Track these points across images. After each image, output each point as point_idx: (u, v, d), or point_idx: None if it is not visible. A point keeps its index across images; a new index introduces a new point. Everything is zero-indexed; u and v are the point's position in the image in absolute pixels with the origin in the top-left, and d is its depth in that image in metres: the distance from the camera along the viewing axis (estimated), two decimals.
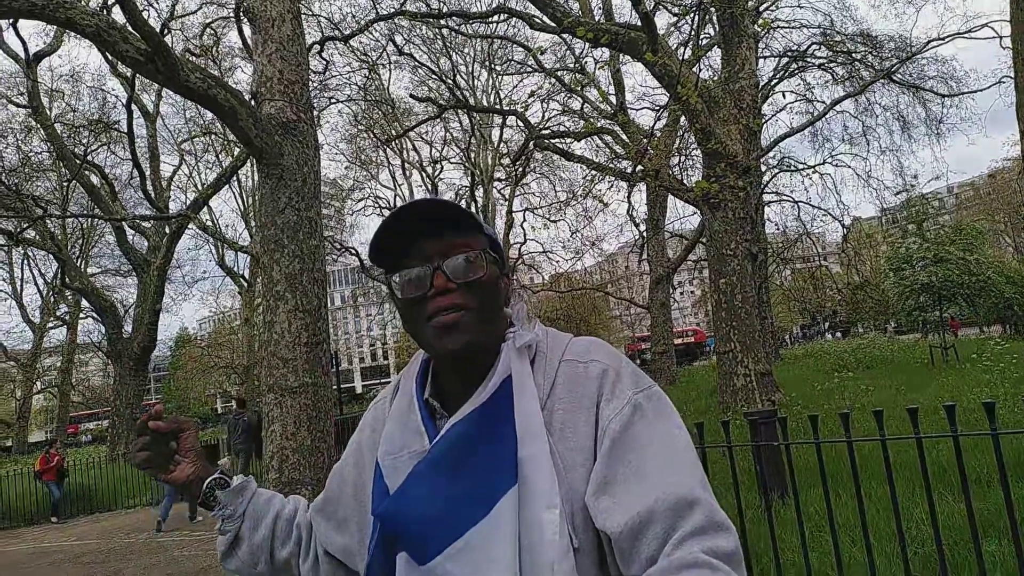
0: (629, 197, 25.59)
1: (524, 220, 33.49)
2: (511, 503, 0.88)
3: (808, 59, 25.25)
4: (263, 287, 6.58)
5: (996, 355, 10.92)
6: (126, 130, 20.25)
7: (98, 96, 24.85)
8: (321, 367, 6.16)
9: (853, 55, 23.69)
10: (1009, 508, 2.57)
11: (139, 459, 1.11)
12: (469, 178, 29.98)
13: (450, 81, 25.79)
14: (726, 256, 12.34)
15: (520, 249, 32.37)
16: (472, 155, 29.75)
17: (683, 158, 22.19)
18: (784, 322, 51.08)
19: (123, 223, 21.71)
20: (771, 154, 26.48)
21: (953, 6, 71.50)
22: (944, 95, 23.90)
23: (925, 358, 17.73)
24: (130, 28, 5.63)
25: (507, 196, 30.12)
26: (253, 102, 6.55)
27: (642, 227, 25.79)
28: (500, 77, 28.12)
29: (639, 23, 11.66)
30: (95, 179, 22.31)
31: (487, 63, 27.46)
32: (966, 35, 23.05)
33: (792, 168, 27.72)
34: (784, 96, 27.47)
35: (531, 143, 20.33)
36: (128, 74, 19.11)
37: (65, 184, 24.25)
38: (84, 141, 22.86)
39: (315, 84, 18.32)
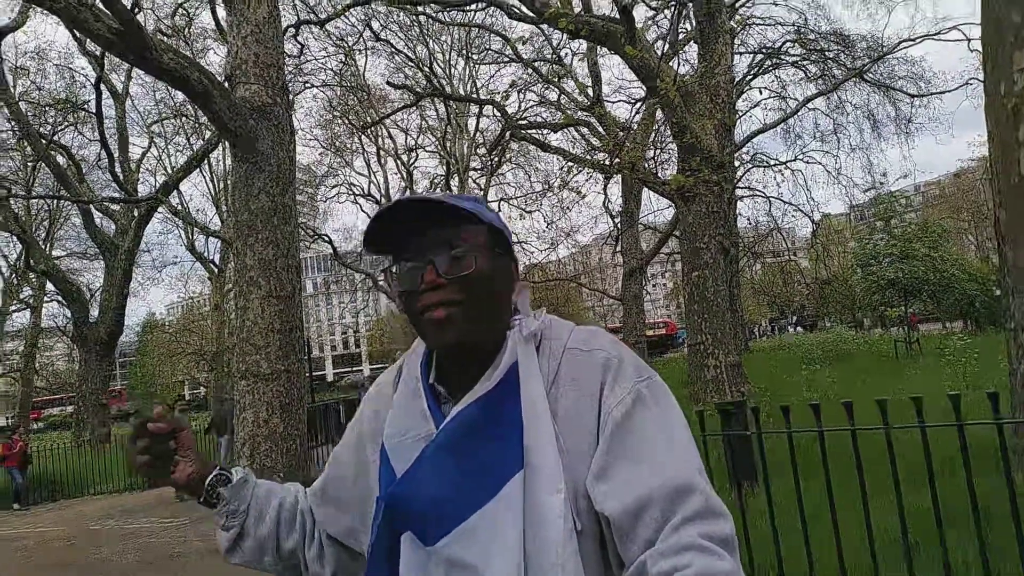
0: (605, 189, 25.65)
1: (499, 210, 33.44)
2: (517, 487, 0.91)
3: (782, 56, 25.56)
4: (236, 273, 6.51)
5: (958, 350, 11.18)
6: (94, 110, 19.81)
7: (65, 75, 24.20)
8: (295, 354, 6.12)
9: (826, 53, 24.01)
10: (972, 496, 2.66)
11: (139, 464, 1.10)
12: (444, 167, 29.85)
13: (427, 69, 25.61)
14: (699, 249, 12.47)
15: None
16: (448, 144, 29.61)
17: (658, 151, 22.33)
18: (753, 316, 51.75)
19: (90, 205, 21.27)
20: (744, 149, 26.80)
21: (923, 7, 72.62)
22: (913, 95, 24.34)
23: (890, 352, 18.10)
24: (101, 6, 5.51)
25: (482, 186, 30.05)
26: (227, 85, 6.45)
27: (617, 219, 25.93)
28: (477, 66, 28.00)
29: (617, 16, 11.69)
30: (61, 160, 21.78)
31: (464, 52, 27.31)
32: (935, 37, 23.48)
33: (765, 164, 28.12)
34: (759, 92, 27.80)
35: (507, 133, 20.29)
36: (97, 53, 18.65)
37: (30, 164, 23.64)
38: (50, 120, 22.31)
39: (290, 68, 18.05)
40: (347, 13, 18.66)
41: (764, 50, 25.51)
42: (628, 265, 24.58)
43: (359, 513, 1.11)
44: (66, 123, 23.12)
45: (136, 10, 18.93)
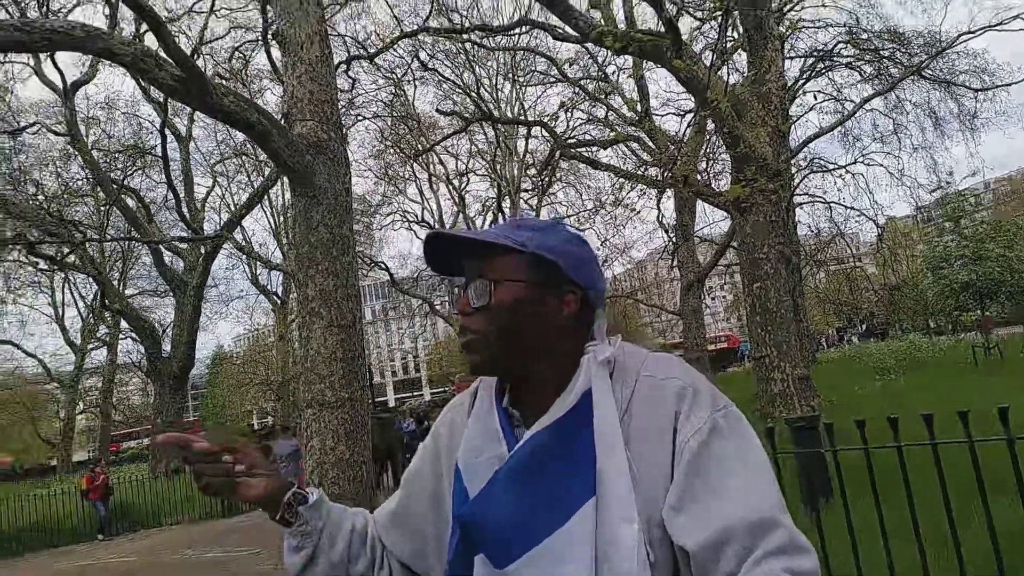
0: (659, 203, 25.36)
1: None
2: (589, 514, 0.90)
3: (835, 58, 24.92)
4: (298, 304, 6.67)
5: None
6: (160, 154, 20.70)
7: (132, 122, 25.44)
8: (358, 381, 6.21)
9: (881, 52, 23.33)
10: None
11: (201, 486, 1.10)
12: (496, 190, 30.07)
13: (474, 94, 25.94)
14: (759, 260, 12.18)
15: None
16: (498, 167, 29.85)
17: (710, 162, 22.02)
18: (820, 325, 50.21)
19: (160, 245, 22.16)
20: (801, 155, 26.17)
21: None
22: (977, 89, 23.33)
23: (967, 359, 17.26)
24: (163, 54, 5.78)
25: (534, 207, 30.14)
26: (284, 123, 6.67)
27: (672, 233, 25.62)
28: (523, 88, 28.24)
29: (663, 29, 11.63)
30: (132, 203, 22.83)
31: (510, 75, 27.59)
32: (997, 28, 22.51)
33: (823, 169, 27.31)
34: (813, 97, 27.15)
35: (557, 153, 20.34)
36: (160, 99, 19.54)
37: (103, 209, 24.84)
38: (120, 166, 23.43)
39: (343, 102, 18.58)
40: (395, 46, 19.16)
41: (816, 53, 24.96)
42: (686, 279, 24.21)
43: (434, 535, 1.11)
44: (135, 168, 24.24)
45: (196, 56, 19.83)
